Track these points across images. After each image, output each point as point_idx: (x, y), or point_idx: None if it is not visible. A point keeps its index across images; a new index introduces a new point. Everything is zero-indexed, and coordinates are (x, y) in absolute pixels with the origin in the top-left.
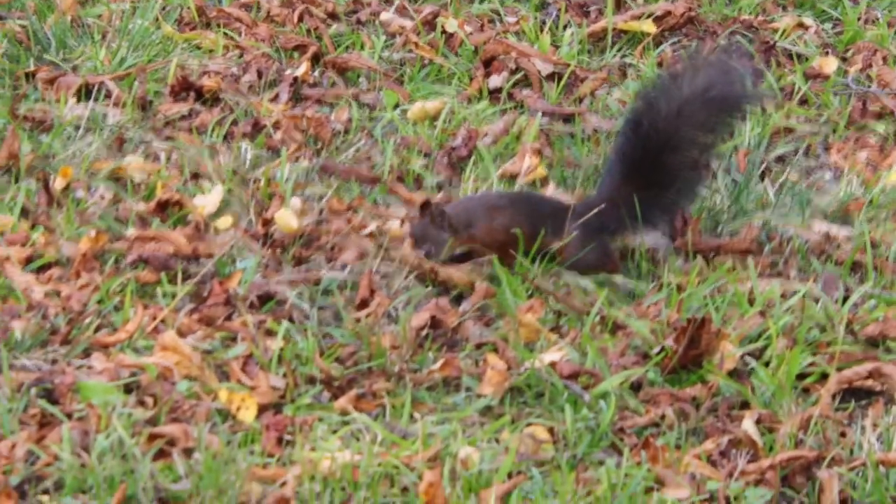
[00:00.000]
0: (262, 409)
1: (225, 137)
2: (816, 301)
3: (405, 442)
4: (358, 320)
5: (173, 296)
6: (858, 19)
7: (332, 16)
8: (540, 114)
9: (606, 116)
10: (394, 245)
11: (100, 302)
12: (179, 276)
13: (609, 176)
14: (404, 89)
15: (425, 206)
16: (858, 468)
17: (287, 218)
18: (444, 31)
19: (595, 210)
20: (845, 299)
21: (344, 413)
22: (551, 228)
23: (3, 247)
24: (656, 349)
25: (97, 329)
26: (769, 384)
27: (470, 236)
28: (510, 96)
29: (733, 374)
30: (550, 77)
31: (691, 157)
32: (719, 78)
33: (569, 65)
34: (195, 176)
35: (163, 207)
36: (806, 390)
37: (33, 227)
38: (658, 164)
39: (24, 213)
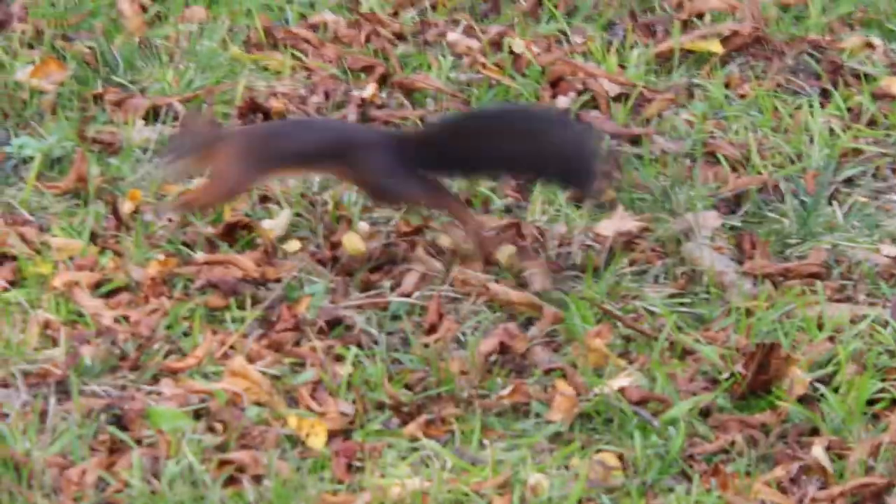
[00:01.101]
0: (331, 436)
1: None
2: (886, 326)
3: (475, 468)
4: (426, 345)
5: (242, 321)
6: None
7: (400, 36)
8: (607, 135)
9: (674, 137)
10: (462, 269)
11: (169, 327)
12: (248, 300)
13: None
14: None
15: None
16: None
17: (355, 241)
18: (511, 52)
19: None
20: None
21: (413, 439)
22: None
23: (72, 271)
24: (725, 375)
25: (166, 355)
26: (839, 410)
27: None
28: (577, 117)
29: (803, 400)
30: (617, 98)
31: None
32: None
33: (636, 85)
34: (263, 199)
35: (231, 231)
36: (876, 416)
37: (102, 251)
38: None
39: (93, 237)
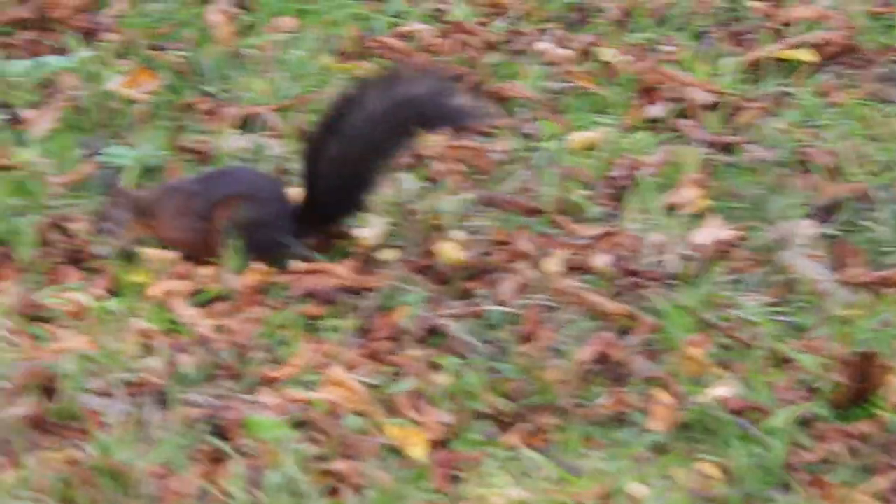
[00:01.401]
0: (430, 445)
1: (388, 170)
2: None
3: (575, 478)
4: (524, 354)
5: (339, 330)
6: None
7: (490, 46)
8: (700, 144)
9: (767, 146)
10: (555, 278)
11: (266, 336)
12: (345, 309)
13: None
14: (563, 119)
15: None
16: None
17: (450, 250)
18: (601, 61)
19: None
20: None
21: (512, 448)
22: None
23: (169, 281)
24: (824, 383)
25: (264, 364)
26: None
27: (149, 226)
28: (670, 126)
29: None
30: (709, 106)
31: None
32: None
33: (728, 94)
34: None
35: (327, 240)
36: None
37: (196, 259)
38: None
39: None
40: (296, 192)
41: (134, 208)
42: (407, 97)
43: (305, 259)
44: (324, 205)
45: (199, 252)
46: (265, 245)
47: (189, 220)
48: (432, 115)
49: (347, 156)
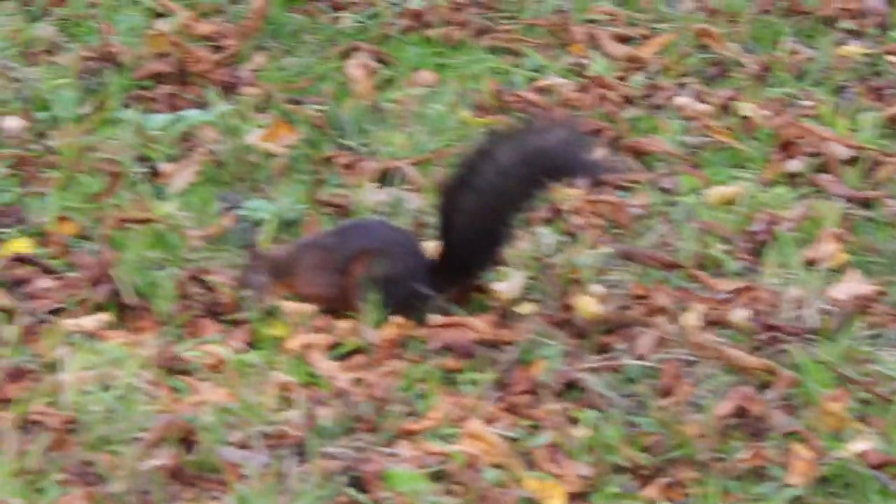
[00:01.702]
0: (569, 498)
1: (525, 223)
2: None
3: None
4: (663, 408)
5: (477, 383)
6: None
7: (628, 100)
8: (839, 198)
9: None
10: (694, 332)
11: (404, 389)
12: (483, 363)
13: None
14: (702, 173)
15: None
16: None
17: (588, 304)
18: (740, 115)
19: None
20: None
21: (651, 502)
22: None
23: (308, 334)
24: None
25: (403, 417)
26: None
27: (288, 285)
28: (809, 181)
29: None
30: (848, 161)
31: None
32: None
33: (868, 148)
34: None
35: (465, 293)
36: None
37: (336, 313)
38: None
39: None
40: (432, 246)
41: (271, 269)
42: (539, 149)
43: (444, 312)
44: (459, 259)
45: (337, 306)
46: (401, 299)
47: (327, 275)
48: (565, 167)
49: (481, 209)
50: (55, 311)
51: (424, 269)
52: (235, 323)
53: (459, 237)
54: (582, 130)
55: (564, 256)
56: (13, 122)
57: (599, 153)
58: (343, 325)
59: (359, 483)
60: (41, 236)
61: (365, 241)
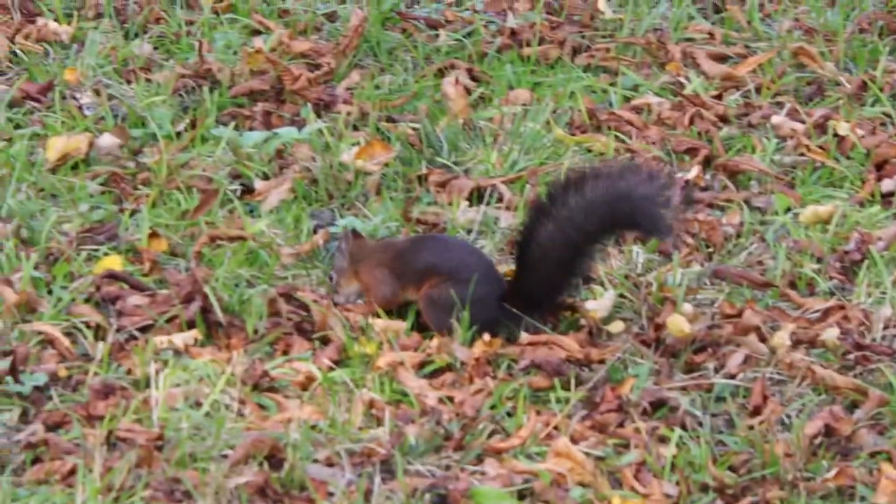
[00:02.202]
0: None
1: (617, 241)
2: None
3: None
4: (751, 427)
5: (566, 401)
6: None
7: (723, 119)
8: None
9: None
10: (784, 351)
11: (493, 407)
12: (572, 381)
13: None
14: (796, 192)
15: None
16: None
17: (679, 323)
18: (835, 134)
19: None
20: None
21: None
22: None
23: (397, 352)
24: None
25: (490, 435)
26: None
27: (356, 271)
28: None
29: None
30: None
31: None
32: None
33: None
34: (587, 280)
35: (555, 312)
36: None
37: (421, 329)
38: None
39: (417, 316)
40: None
41: (352, 255)
42: (625, 196)
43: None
44: (530, 287)
45: (389, 306)
46: (469, 322)
47: (387, 276)
48: (640, 221)
49: (555, 242)
50: (145, 328)
51: (493, 295)
52: (325, 340)
53: (531, 267)
54: (668, 186)
55: (656, 274)
56: (108, 140)
57: (673, 215)
58: (433, 342)
59: (445, 501)
60: (133, 253)
61: (435, 259)
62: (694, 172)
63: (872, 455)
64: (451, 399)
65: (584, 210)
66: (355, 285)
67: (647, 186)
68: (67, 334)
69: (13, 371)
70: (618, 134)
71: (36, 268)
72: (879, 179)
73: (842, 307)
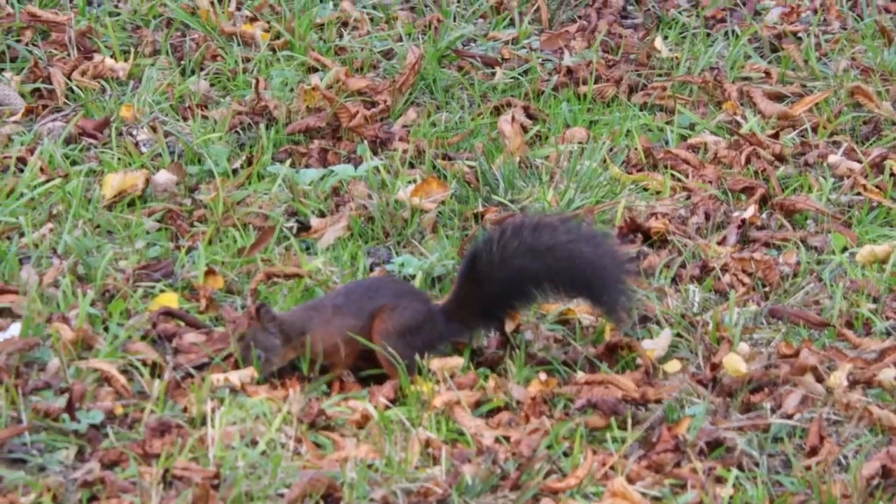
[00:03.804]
0: None
1: (673, 280)
2: None
3: None
4: (808, 468)
5: (622, 441)
6: None
7: (780, 158)
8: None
9: None
10: (841, 391)
11: (549, 447)
12: (629, 421)
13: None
14: (852, 232)
15: (258, 310)
16: None
17: (736, 363)
18: (892, 174)
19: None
20: None
21: None
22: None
23: (454, 390)
24: None
25: (547, 474)
26: None
27: (302, 343)
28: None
29: None
30: None
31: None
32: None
33: None
34: (643, 319)
35: (612, 351)
36: None
37: (478, 367)
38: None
39: (473, 355)
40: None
41: (282, 331)
42: (581, 258)
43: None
44: (474, 309)
45: (350, 363)
46: (423, 345)
47: (342, 329)
48: (596, 285)
49: (504, 279)
50: (202, 366)
51: (434, 312)
52: (380, 379)
53: (479, 292)
54: (631, 262)
55: (713, 314)
56: (164, 176)
57: (628, 296)
58: (489, 381)
59: None
60: (189, 290)
61: (383, 299)
62: (750, 211)
63: None
64: (507, 438)
65: (535, 258)
66: (290, 358)
67: (614, 264)
68: (124, 372)
69: (70, 409)
70: (674, 172)
71: (92, 305)
72: None
73: None
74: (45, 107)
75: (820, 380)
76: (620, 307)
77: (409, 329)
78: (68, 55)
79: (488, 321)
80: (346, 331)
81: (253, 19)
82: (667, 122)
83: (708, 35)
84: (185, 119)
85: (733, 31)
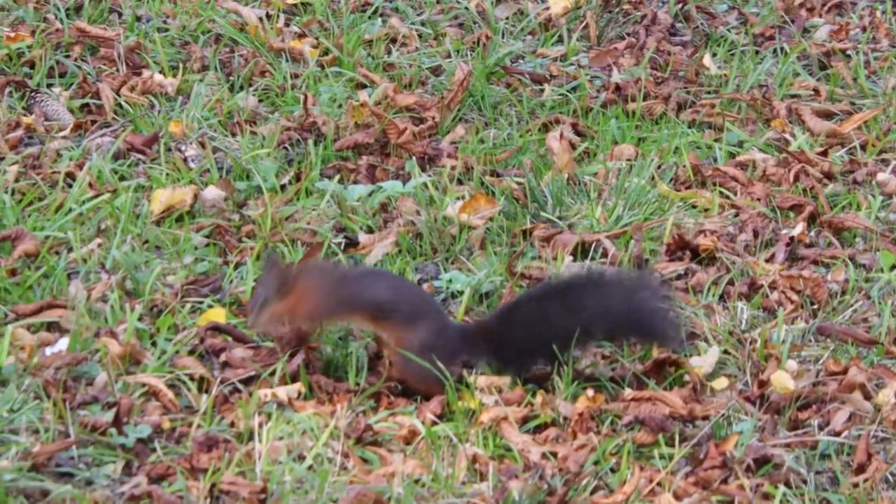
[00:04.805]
0: None
1: (721, 297)
2: None
3: None
4: (855, 485)
5: (670, 458)
6: None
7: (828, 175)
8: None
9: None
10: (889, 409)
11: (596, 463)
12: (676, 437)
13: (497, 311)
14: None
15: (268, 255)
16: None
17: (783, 380)
18: None
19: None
20: None
21: None
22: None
23: (501, 406)
24: None
25: (593, 490)
26: None
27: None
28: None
29: None
30: None
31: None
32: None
33: None
34: (691, 336)
35: (659, 368)
36: None
37: (525, 383)
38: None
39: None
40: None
41: (278, 283)
42: (622, 312)
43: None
44: (489, 341)
45: (313, 325)
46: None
47: (328, 301)
48: (642, 334)
49: (533, 326)
50: (249, 381)
51: (450, 325)
52: (428, 395)
53: (509, 334)
54: (667, 297)
55: (761, 331)
56: (213, 192)
57: (674, 323)
58: (537, 397)
59: None
60: (237, 306)
61: (390, 295)
62: (799, 229)
63: None
64: (554, 454)
65: (573, 315)
66: (281, 317)
67: (656, 300)
68: (171, 386)
69: (117, 423)
70: (722, 190)
71: (140, 319)
72: None
73: None
74: (93, 122)
75: (868, 397)
76: (671, 336)
77: (426, 348)
78: (117, 71)
79: (497, 358)
80: (330, 299)
81: (301, 35)
82: (715, 140)
83: (756, 52)
84: (233, 135)
85: (782, 49)
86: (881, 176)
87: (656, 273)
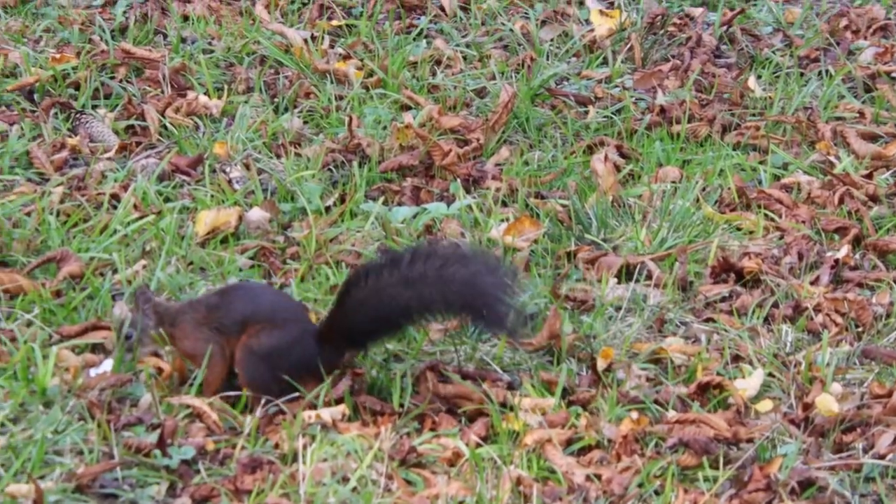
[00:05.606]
0: None
1: (766, 320)
2: None
3: None
4: None
5: (714, 480)
6: None
7: (873, 198)
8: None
9: None
10: None
11: (640, 485)
12: (720, 460)
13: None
14: None
15: (137, 291)
16: None
17: (828, 402)
18: None
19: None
20: None
21: None
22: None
23: (545, 428)
24: None
25: None
26: None
27: (171, 335)
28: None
29: None
30: None
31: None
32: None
33: None
34: (736, 358)
35: (703, 390)
36: None
37: (569, 405)
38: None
39: (564, 393)
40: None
41: (158, 316)
42: (466, 280)
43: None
44: (346, 336)
45: (223, 371)
46: (289, 369)
47: (205, 333)
48: (476, 305)
49: (377, 307)
50: (293, 402)
51: (309, 334)
52: (472, 417)
53: (351, 320)
54: (514, 278)
55: (805, 354)
56: (257, 214)
57: (516, 311)
58: (581, 419)
59: None
60: None
61: (252, 307)
62: (843, 252)
63: None
64: (598, 477)
65: (408, 286)
66: (163, 345)
67: (496, 280)
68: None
69: (161, 444)
70: (767, 212)
71: None
72: None
73: None
74: (138, 144)
75: None
76: (508, 321)
77: (277, 351)
78: (162, 92)
79: (357, 348)
80: (207, 332)
81: (346, 57)
82: (760, 162)
83: (801, 75)
84: (278, 156)
85: (827, 71)
86: None
87: (498, 254)
